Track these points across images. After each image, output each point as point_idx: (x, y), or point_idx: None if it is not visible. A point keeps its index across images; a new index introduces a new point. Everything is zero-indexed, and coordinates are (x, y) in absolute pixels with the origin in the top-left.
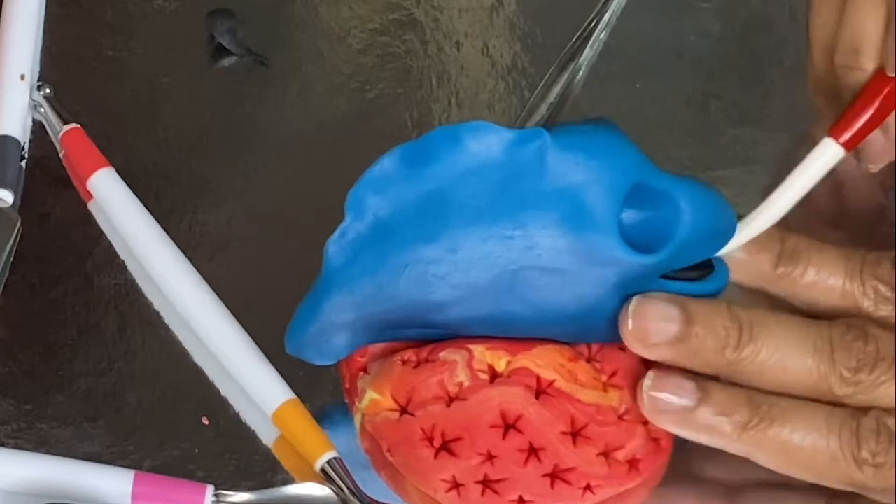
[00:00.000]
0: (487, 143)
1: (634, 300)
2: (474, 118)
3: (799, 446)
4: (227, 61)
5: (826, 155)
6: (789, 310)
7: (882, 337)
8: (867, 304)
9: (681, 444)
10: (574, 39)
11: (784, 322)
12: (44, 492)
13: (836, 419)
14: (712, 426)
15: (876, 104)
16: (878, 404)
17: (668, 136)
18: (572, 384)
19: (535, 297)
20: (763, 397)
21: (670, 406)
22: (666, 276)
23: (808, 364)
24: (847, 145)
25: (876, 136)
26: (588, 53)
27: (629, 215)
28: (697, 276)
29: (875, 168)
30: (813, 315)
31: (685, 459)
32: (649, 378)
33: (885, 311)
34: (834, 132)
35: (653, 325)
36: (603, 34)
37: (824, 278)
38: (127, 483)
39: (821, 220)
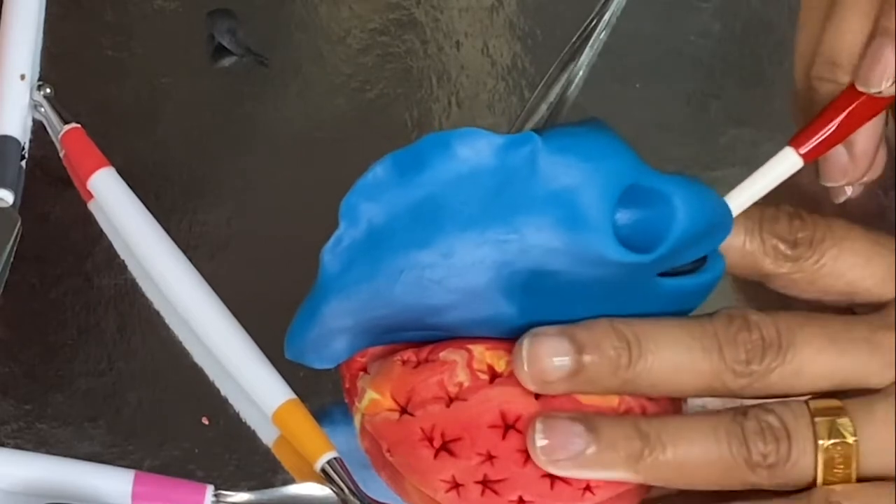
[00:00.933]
0: (478, 149)
1: (524, 342)
2: (474, 118)
3: (695, 463)
4: (227, 61)
5: (784, 164)
6: None
7: (763, 322)
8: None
9: None
10: (574, 39)
11: (669, 329)
12: (44, 492)
13: (722, 428)
14: (608, 464)
15: (841, 118)
16: (774, 391)
17: (668, 136)
18: None
19: (532, 299)
20: (648, 423)
21: (565, 454)
22: (662, 274)
23: (699, 366)
24: (807, 157)
25: (839, 152)
26: (588, 53)
27: (623, 215)
28: (691, 268)
29: (833, 186)
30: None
31: None
32: (538, 430)
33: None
34: (795, 142)
35: (547, 364)
36: (603, 34)
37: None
38: (127, 483)
39: None
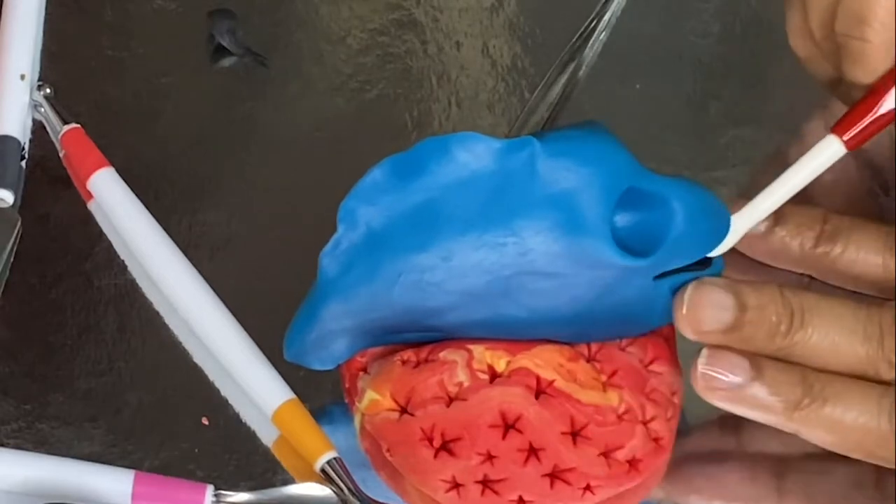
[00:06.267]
0: (477, 154)
1: (690, 287)
2: (474, 118)
3: (850, 426)
4: (227, 61)
5: (827, 152)
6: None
7: None
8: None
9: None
10: (574, 39)
11: (836, 307)
12: (44, 492)
13: (887, 401)
14: (765, 404)
15: (884, 105)
16: None
17: (668, 136)
18: (572, 384)
19: (531, 301)
20: (816, 377)
21: (724, 384)
22: (662, 275)
23: (857, 350)
24: (850, 144)
25: None
26: (588, 53)
27: (622, 218)
28: (695, 268)
29: None
30: (855, 291)
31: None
32: (703, 356)
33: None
34: (838, 129)
35: (706, 313)
36: (603, 34)
37: (864, 256)
38: (127, 483)
39: None
